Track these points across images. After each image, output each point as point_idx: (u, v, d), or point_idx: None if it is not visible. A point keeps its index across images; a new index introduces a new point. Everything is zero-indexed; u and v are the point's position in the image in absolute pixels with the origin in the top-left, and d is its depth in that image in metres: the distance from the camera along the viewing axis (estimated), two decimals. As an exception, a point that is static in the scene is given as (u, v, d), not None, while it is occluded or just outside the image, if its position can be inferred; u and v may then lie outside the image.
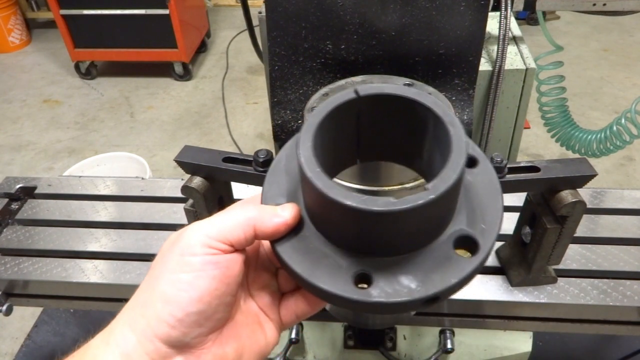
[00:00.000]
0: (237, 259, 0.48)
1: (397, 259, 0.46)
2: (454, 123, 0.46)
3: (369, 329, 1.16)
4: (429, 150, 0.52)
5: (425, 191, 0.42)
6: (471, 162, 0.51)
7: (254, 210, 0.48)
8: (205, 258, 0.46)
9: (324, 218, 0.48)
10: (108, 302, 1.11)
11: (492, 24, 1.43)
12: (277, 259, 0.49)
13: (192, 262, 0.46)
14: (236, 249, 0.48)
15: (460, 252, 0.46)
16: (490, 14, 1.13)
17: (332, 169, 0.54)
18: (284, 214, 0.48)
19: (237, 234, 0.47)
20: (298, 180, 0.51)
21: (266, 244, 0.56)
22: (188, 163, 0.88)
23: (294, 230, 0.49)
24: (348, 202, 0.42)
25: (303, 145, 0.46)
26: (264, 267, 0.57)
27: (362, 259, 0.46)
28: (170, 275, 0.46)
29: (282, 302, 0.56)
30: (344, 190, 0.43)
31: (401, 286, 0.44)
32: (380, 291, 0.44)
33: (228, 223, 0.48)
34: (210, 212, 0.91)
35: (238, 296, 0.52)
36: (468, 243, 0.47)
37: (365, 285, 0.45)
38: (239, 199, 1.12)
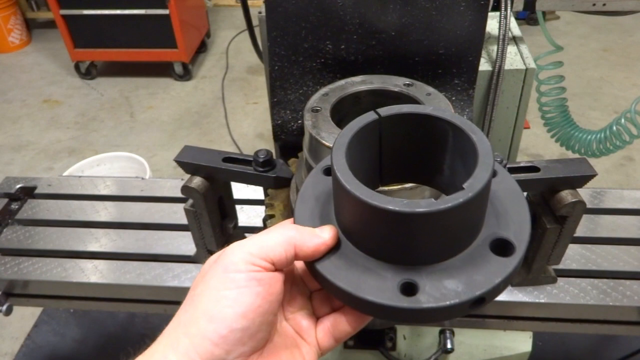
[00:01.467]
0: (278, 278, 0.48)
1: (439, 266, 0.47)
2: (474, 130, 0.48)
3: (368, 329, 1.16)
4: (450, 164, 0.54)
5: (463, 190, 0.43)
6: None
7: (294, 231, 0.49)
8: (249, 275, 0.46)
9: (363, 231, 0.49)
10: (108, 302, 1.11)
11: (492, 24, 1.43)
12: (317, 277, 0.50)
13: (236, 278, 0.46)
14: (277, 268, 0.48)
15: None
16: (490, 14, 1.13)
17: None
18: (324, 234, 0.49)
19: (279, 252, 0.48)
20: (328, 204, 0.53)
21: (299, 265, 0.57)
22: (188, 163, 0.88)
23: (332, 250, 0.50)
24: (391, 207, 0.43)
25: (337, 161, 0.47)
26: (298, 290, 0.57)
27: (404, 268, 0.47)
28: (213, 293, 0.46)
29: (318, 325, 0.56)
30: (385, 196, 0.44)
31: (448, 290, 0.45)
32: (429, 297, 0.45)
33: (270, 242, 0.48)
34: (210, 212, 0.91)
35: (275, 318, 0.52)
36: (503, 245, 0.48)
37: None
38: (238, 199, 1.13)
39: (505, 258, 0.47)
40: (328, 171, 0.57)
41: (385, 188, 0.76)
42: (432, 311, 0.44)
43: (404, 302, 0.45)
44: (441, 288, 0.45)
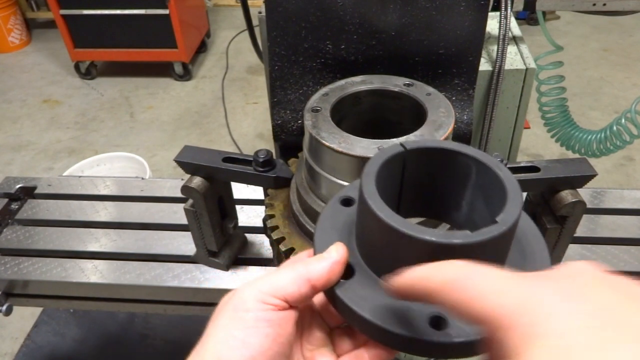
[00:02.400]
0: (290, 317, 0.47)
1: None
2: (500, 167, 0.49)
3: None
4: (470, 200, 0.54)
5: (496, 224, 0.44)
6: None
7: (303, 264, 0.48)
8: (258, 314, 0.45)
9: (391, 260, 0.47)
10: (108, 302, 1.11)
11: (492, 24, 1.43)
12: (339, 308, 0.48)
13: (245, 318, 0.45)
14: (290, 305, 0.47)
15: None
16: (490, 14, 1.13)
17: None
18: (332, 254, 0.48)
19: (292, 289, 0.46)
20: (348, 234, 0.52)
21: (317, 301, 0.54)
22: (188, 163, 0.88)
23: (353, 279, 0.49)
24: (428, 237, 0.42)
25: (367, 188, 0.47)
26: (317, 326, 0.54)
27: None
28: (223, 332, 0.45)
29: None
30: (419, 226, 0.43)
31: None
32: (459, 331, 0.44)
33: (281, 279, 0.47)
34: (210, 212, 0.91)
35: (292, 358, 0.50)
36: None
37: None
38: (238, 199, 1.13)
39: None
40: (346, 202, 0.56)
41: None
42: (463, 346, 0.44)
43: (435, 336, 0.44)
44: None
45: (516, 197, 0.46)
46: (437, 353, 0.45)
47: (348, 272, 0.49)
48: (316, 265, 0.47)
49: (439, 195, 0.57)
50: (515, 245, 0.50)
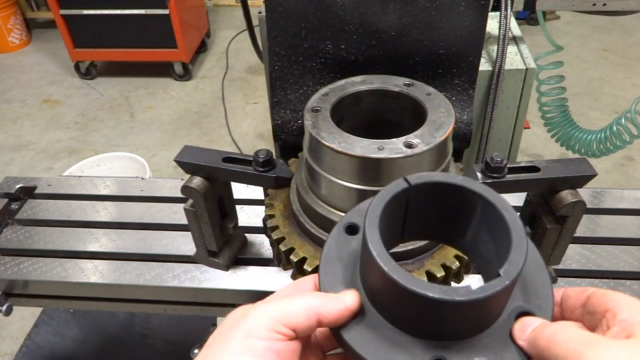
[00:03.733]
0: (296, 349, 0.48)
1: (468, 342, 0.48)
2: (506, 208, 0.50)
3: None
4: (475, 230, 0.55)
5: (500, 277, 0.44)
6: None
7: (316, 298, 0.49)
8: (268, 344, 0.46)
9: (395, 308, 0.49)
10: (108, 302, 1.11)
11: (492, 24, 1.43)
12: (344, 347, 0.49)
13: (256, 346, 0.46)
14: (298, 335, 0.48)
15: None
16: (490, 14, 1.13)
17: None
18: (346, 299, 0.49)
19: (301, 320, 0.47)
20: (354, 267, 0.53)
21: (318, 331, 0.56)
22: (188, 163, 0.88)
23: (357, 317, 0.50)
24: (430, 294, 0.43)
25: (372, 239, 0.47)
26: (312, 352, 0.56)
27: (434, 344, 0.48)
28: (230, 357, 0.46)
29: None
30: (423, 281, 0.44)
31: None
32: None
33: (293, 308, 0.48)
34: (210, 212, 0.91)
35: None
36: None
37: None
38: (238, 199, 1.13)
39: None
40: (350, 229, 0.57)
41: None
42: None
43: None
44: None
45: (521, 243, 0.46)
46: None
47: (356, 313, 0.50)
48: (329, 306, 0.48)
49: (444, 222, 0.58)
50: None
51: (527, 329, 0.46)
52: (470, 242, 0.56)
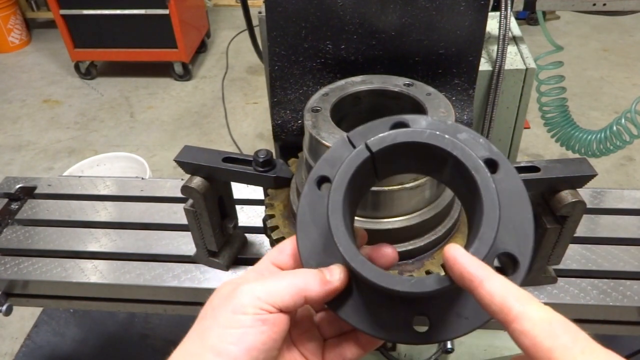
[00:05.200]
0: (284, 319, 0.50)
1: (448, 295, 0.48)
2: (477, 168, 0.47)
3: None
4: (451, 174, 0.52)
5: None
6: (492, 166, 0.50)
7: (303, 278, 0.50)
8: (255, 317, 0.48)
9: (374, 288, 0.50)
10: (108, 302, 1.11)
11: (492, 24, 1.43)
12: (337, 317, 0.52)
13: (243, 319, 0.48)
14: (284, 312, 0.50)
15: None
16: (490, 14, 1.13)
17: (354, 203, 0.56)
18: (333, 279, 0.50)
19: (287, 301, 0.49)
20: (329, 232, 0.52)
21: (319, 315, 0.59)
22: (188, 163, 0.88)
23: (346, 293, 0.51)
24: (399, 288, 0.45)
25: (337, 231, 0.48)
26: (313, 337, 0.58)
27: (415, 303, 0.50)
28: (220, 330, 0.48)
29: (326, 347, 0.57)
30: (392, 275, 0.45)
31: (458, 319, 0.48)
32: (439, 331, 0.48)
33: (279, 289, 0.50)
34: (210, 212, 0.91)
35: (282, 347, 0.54)
36: (507, 259, 0.48)
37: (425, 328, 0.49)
38: (238, 199, 1.13)
39: (509, 277, 0.46)
40: (322, 183, 0.55)
41: (386, 188, 0.76)
42: (444, 341, 0.47)
43: (419, 339, 0.49)
44: (452, 318, 0.48)
45: (492, 212, 0.45)
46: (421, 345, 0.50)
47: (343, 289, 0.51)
48: (315, 286, 0.50)
49: (418, 165, 0.56)
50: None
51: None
52: (448, 180, 0.54)
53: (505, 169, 0.50)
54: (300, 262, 0.53)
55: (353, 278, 0.51)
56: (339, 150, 0.54)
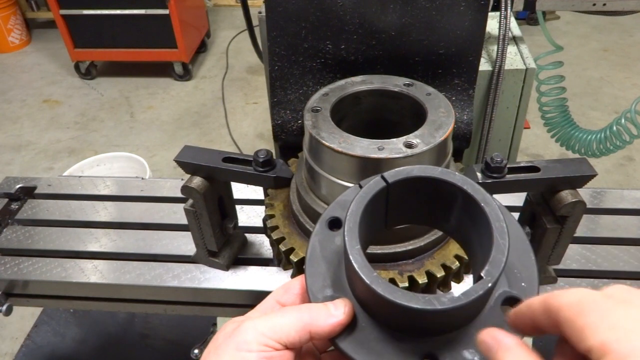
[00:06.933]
0: (290, 356, 0.49)
1: (456, 334, 0.48)
2: (487, 201, 0.49)
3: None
4: (458, 217, 0.54)
5: (482, 280, 0.45)
6: None
7: (308, 313, 0.49)
8: (259, 354, 0.47)
9: (382, 313, 0.49)
10: (108, 302, 1.11)
11: (492, 24, 1.43)
12: (340, 354, 0.50)
13: (247, 357, 0.47)
14: (289, 348, 0.49)
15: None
16: (490, 14, 1.13)
17: (365, 242, 0.56)
18: (338, 313, 0.49)
19: (292, 337, 0.48)
20: (339, 267, 0.53)
21: None
22: (188, 163, 0.88)
23: (350, 325, 0.50)
24: (414, 305, 0.44)
25: (352, 250, 0.47)
26: (308, 352, 0.57)
27: (423, 339, 0.49)
28: None
29: None
30: (405, 293, 0.45)
31: None
32: None
33: (283, 325, 0.48)
34: (210, 212, 0.91)
35: None
36: (513, 303, 0.49)
37: None
38: (238, 199, 1.13)
39: None
40: (333, 224, 0.56)
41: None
42: None
43: None
44: (460, 359, 0.47)
45: (502, 240, 0.46)
46: None
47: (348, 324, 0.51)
48: (321, 320, 0.48)
49: (426, 209, 0.57)
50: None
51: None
52: (455, 227, 0.56)
53: (509, 221, 0.53)
54: (308, 298, 0.53)
55: (360, 313, 0.51)
56: (351, 195, 0.55)
